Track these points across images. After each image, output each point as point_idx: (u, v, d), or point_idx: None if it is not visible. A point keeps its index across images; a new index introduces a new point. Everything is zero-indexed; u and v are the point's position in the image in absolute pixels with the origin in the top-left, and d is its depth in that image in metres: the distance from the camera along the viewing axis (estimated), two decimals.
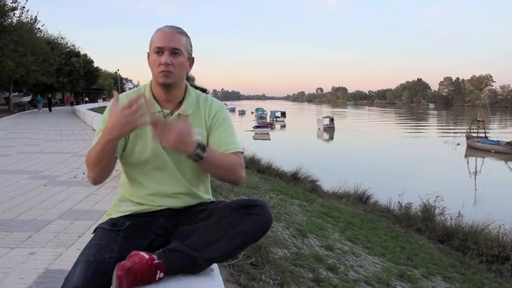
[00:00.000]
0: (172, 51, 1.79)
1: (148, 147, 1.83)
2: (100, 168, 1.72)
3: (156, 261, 1.60)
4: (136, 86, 2.00)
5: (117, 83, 67.31)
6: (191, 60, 1.92)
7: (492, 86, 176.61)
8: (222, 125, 1.91)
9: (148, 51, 1.87)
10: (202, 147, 1.68)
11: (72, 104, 50.67)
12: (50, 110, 38.59)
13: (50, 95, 43.24)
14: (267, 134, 50.28)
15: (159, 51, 1.79)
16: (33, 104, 42.63)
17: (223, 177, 1.84)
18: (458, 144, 40.23)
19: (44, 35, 43.52)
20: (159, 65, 1.79)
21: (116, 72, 71.80)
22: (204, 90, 2.04)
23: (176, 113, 1.86)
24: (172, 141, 1.60)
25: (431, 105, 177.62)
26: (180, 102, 1.90)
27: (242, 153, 1.93)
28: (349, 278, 4.78)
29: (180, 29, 1.87)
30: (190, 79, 2.05)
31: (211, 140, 1.90)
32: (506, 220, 9.79)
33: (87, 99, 60.55)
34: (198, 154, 1.67)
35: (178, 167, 1.86)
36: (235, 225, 1.71)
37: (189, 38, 1.89)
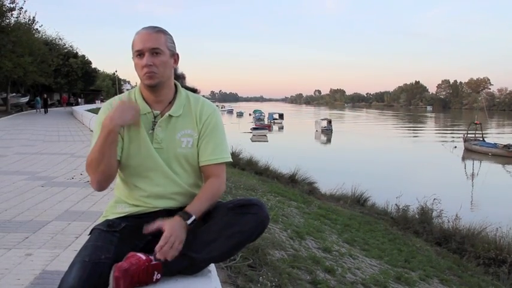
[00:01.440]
0: (152, 52, 1.79)
1: (141, 149, 1.83)
2: (103, 168, 1.71)
3: (153, 262, 1.60)
4: (133, 87, 2.01)
5: (115, 84, 67.30)
6: (175, 57, 1.91)
7: (490, 88, 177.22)
8: (212, 132, 1.90)
9: (132, 56, 1.88)
10: (187, 217, 1.71)
11: (71, 104, 50.38)
12: (46, 112, 36.17)
13: (45, 96, 40.12)
14: (265, 135, 50.32)
15: (140, 54, 1.80)
16: (31, 105, 42.42)
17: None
18: (456, 147, 40.35)
19: (41, 35, 43.42)
20: (142, 67, 1.79)
21: (114, 74, 71.81)
22: (194, 91, 2.03)
23: (167, 114, 1.86)
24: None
25: (429, 108, 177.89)
26: (171, 103, 1.90)
27: (227, 162, 1.93)
28: (347, 280, 4.78)
29: (158, 27, 1.87)
30: (180, 77, 2.04)
31: (200, 144, 1.89)
32: (503, 223, 9.80)
33: (78, 100, 58.00)
34: (192, 223, 1.71)
35: (171, 168, 1.86)
36: (232, 224, 1.71)
37: (169, 35, 1.88)
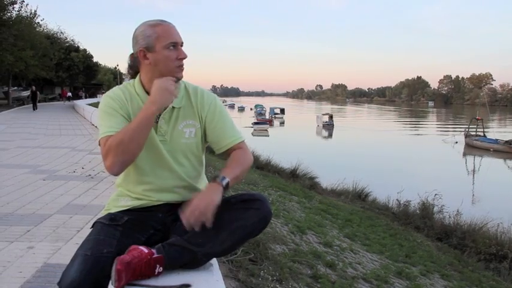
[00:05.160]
0: (182, 46, 1.83)
1: (146, 142, 1.82)
2: (132, 148, 1.68)
3: (155, 256, 1.60)
4: (131, 80, 2.00)
5: (116, 78, 67.23)
6: None
7: (492, 84, 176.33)
8: (221, 117, 1.91)
9: (142, 48, 1.78)
10: (222, 179, 1.72)
11: (68, 98, 49.97)
12: (35, 107, 30.75)
13: (34, 88, 33.94)
14: (266, 130, 50.28)
15: (174, 45, 1.79)
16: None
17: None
18: (457, 142, 40.23)
19: (43, 29, 43.41)
20: (175, 59, 1.79)
21: (116, 68, 71.74)
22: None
23: (170, 106, 1.84)
24: (206, 211, 1.63)
25: (431, 103, 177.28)
26: None
27: (244, 140, 1.95)
28: (348, 274, 4.79)
29: None
30: None
31: (212, 132, 1.89)
32: (505, 219, 9.81)
33: (70, 94, 54.18)
34: (226, 189, 1.72)
35: (175, 160, 1.85)
36: (235, 219, 1.71)
37: None
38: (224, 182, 1.70)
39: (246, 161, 1.87)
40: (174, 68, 1.79)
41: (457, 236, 9.07)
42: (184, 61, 1.88)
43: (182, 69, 1.82)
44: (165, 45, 1.77)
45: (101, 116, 1.80)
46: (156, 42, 1.78)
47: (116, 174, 1.76)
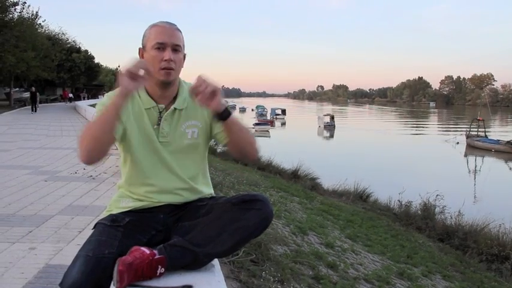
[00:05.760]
0: (173, 48, 1.77)
1: (147, 144, 1.82)
2: (98, 137, 1.62)
3: (157, 257, 1.60)
4: None
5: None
6: (184, 57, 1.88)
7: (493, 85, 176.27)
8: None
9: (140, 46, 1.83)
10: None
11: (70, 99, 49.83)
12: (35, 110, 29.26)
13: (33, 89, 32.21)
14: (267, 131, 50.17)
15: (161, 47, 1.76)
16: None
17: (246, 143, 1.82)
18: (458, 143, 40.20)
19: (45, 30, 43.43)
20: (161, 61, 1.75)
21: (117, 69, 71.80)
22: None
23: (172, 107, 1.84)
24: (215, 96, 1.64)
25: (432, 104, 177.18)
26: (175, 97, 1.87)
27: None
28: (349, 275, 4.78)
29: (176, 25, 1.85)
30: None
31: (216, 123, 1.84)
32: (506, 219, 9.78)
33: (71, 95, 53.21)
34: (229, 110, 1.70)
35: (177, 162, 1.86)
36: (236, 220, 1.71)
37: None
38: (227, 107, 1.70)
39: (251, 133, 1.83)
40: (158, 70, 1.75)
41: (458, 237, 9.06)
42: (184, 62, 1.86)
43: (167, 72, 1.76)
44: (152, 45, 1.77)
45: (95, 114, 1.80)
46: (147, 42, 1.80)
47: (85, 163, 1.71)
